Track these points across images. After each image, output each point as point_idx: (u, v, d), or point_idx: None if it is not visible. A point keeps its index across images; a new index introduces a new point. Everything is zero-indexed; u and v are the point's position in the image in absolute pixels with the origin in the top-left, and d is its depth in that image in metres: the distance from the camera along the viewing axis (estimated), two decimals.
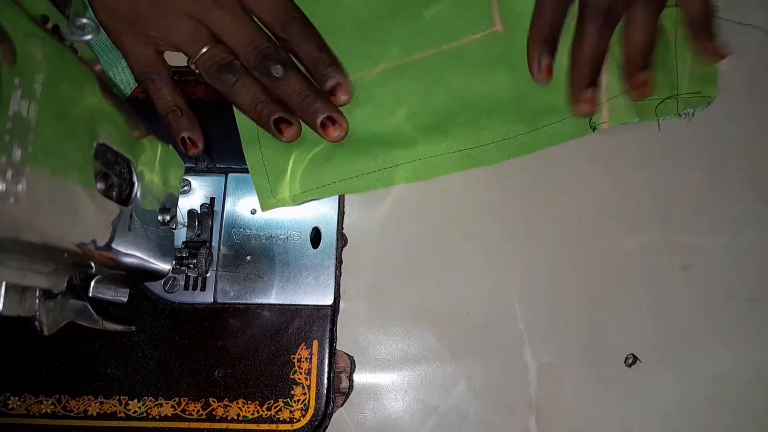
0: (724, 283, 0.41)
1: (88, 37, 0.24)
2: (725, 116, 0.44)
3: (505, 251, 0.42)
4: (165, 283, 0.40)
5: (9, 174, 0.18)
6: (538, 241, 0.42)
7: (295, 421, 0.39)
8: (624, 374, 0.39)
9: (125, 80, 0.42)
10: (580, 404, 0.39)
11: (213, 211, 0.41)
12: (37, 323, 0.25)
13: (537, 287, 0.41)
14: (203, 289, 0.40)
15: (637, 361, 0.40)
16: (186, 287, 0.40)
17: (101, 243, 0.25)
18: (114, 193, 0.26)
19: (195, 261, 0.37)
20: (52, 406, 0.38)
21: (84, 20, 0.24)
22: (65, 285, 0.25)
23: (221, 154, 0.42)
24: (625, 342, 0.40)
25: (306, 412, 0.39)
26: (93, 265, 0.26)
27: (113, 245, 0.26)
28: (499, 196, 0.43)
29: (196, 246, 0.39)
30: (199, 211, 0.40)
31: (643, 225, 0.42)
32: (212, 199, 0.41)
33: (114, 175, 0.26)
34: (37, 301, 0.25)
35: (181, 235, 0.40)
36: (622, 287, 0.41)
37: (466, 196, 0.43)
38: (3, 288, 0.22)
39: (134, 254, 0.28)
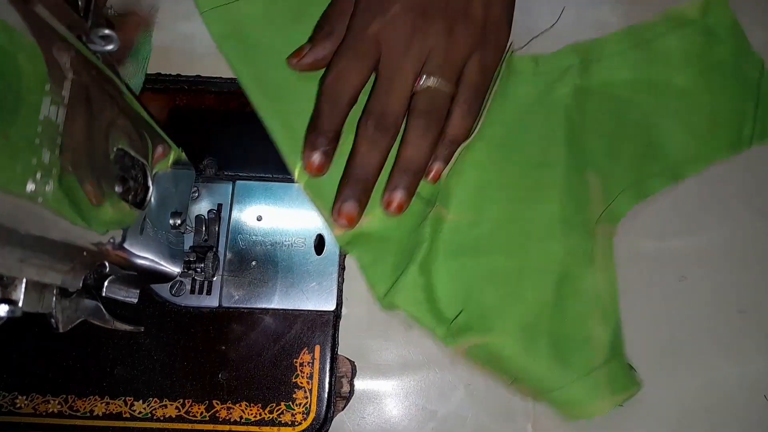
0: (718, 295, 0.42)
1: (110, 47, 0.25)
2: None
3: None
4: (171, 287, 0.41)
5: (38, 175, 0.19)
6: None
7: (296, 424, 0.39)
8: None
9: (136, 85, 0.43)
10: None
11: (220, 217, 0.42)
12: (53, 320, 0.26)
13: None
14: (209, 293, 0.41)
15: (632, 369, 0.40)
16: (192, 291, 0.41)
17: (117, 243, 0.26)
18: (130, 197, 0.27)
19: (202, 265, 0.38)
20: (59, 406, 0.39)
21: (106, 31, 0.25)
22: (81, 284, 0.25)
23: (229, 162, 0.43)
24: None
25: (307, 416, 0.39)
26: (107, 264, 0.27)
27: (127, 246, 0.27)
28: None
29: (203, 251, 0.39)
30: (206, 217, 0.41)
31: (640, 236, 0.43)
32: (219, 206, 0.42)
33: (130, 178, 0.27)
34: (54, 298, 0.26)
35: (188, 239, 0.41)
36: (619, 297, 0.42)
37: None
38: (23, 285, 0.23)
39: (146, 256, 0.29)
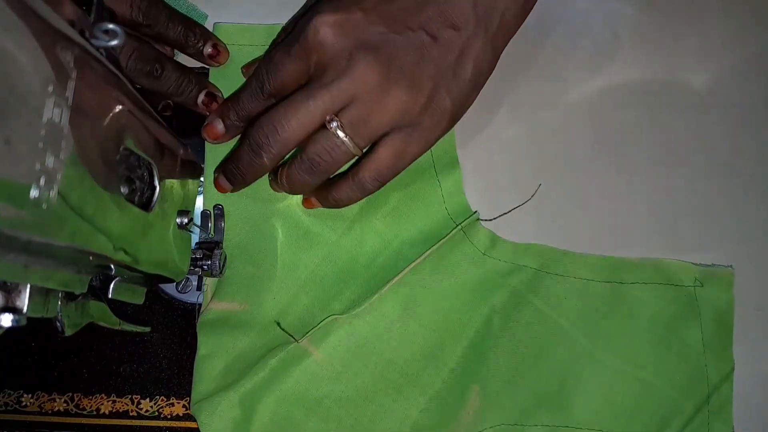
0: (735, 293, 0.41)
1: (114, 42, 0.24)
2: (736, 129, 0.44)
3: None
4: (178, 284, 0.40)
5: (42, 180, 0.18)
6: None
7: None
8: None
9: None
10: None
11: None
12: (58, 324, 0.26)
13: None
14: None
15: None
16: (198, 288, 0.40)
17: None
18: (136, 198, 0.26)
19: (209, 262, 0.38)
20: (65, 404, 0.38)
21: (110, 26, 0.24)
22: (87, 287, 0.25)
23: None
24: None
25: None
26: (113, 267, 0.26)
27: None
28: (508, 205, 0.43)
29: (209, 247, 0.39)
30: (211, 213, 0.41)
31: (654, 235, 0.42)
32: None
33: (137, 179, 0.26)
34: (60, 302, 0.25)
35: (193, 236, 0.40)
36: None
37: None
38: (28, 291, 0.22)
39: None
